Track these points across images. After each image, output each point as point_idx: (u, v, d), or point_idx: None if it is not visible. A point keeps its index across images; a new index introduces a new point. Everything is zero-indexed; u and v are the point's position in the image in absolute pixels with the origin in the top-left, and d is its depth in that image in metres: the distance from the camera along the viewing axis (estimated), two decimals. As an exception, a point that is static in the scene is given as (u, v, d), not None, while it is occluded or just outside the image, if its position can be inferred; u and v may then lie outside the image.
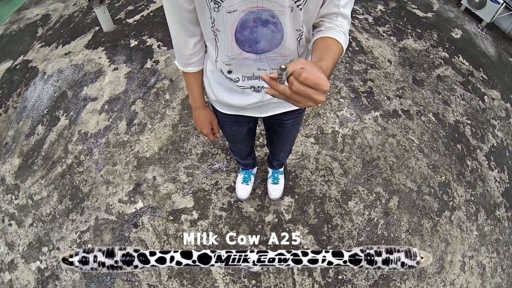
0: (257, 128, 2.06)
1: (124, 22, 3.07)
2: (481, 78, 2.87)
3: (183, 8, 0.76)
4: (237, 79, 0.92)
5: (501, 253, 1.96)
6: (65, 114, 2.39)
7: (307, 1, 0.71)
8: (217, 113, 1.14)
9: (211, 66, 0.96)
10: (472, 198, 2.11)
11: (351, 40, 2.89)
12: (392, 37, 3.04)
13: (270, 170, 1.92)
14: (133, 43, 2.82)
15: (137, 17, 3.10)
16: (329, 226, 1.85)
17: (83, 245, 1.79)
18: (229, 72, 0.90)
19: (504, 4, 3.23)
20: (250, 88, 0.95)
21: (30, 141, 2.31)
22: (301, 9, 0.72)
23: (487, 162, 2.31)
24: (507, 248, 1.99)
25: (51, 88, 2.60)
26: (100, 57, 2.73)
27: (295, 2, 0.70)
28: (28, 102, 2.55)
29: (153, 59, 2.67)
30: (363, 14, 3.24)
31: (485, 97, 2.73)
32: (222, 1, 0.69)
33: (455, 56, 2.99)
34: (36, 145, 2.28)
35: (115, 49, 2.78)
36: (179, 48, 0.90)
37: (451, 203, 2.05)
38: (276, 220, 1.85)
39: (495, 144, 2.44)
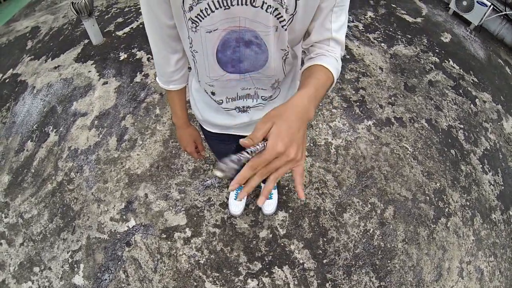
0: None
1: (113, 34, 3.04)
2: (472, 81, 2.89)
3: (164, 23, 0.72)
4: (221, 101, 0.89)
5: (498, 256, 1.96)
6: (54, 130, 2.36)
7: (292, 20, 0.67)
8: (205, 131, 1.11)
9: (196, 85, 0.93)
10: (468, 203, 2.11)
11: (343, 55, 2.88)
12: (382, 44, 3.04)
13: (263, 185, 1.89)
14: (123, 56, 2.79)
15: (127, 29, 3.08)
16: (325, 239, 1.83)
17: (75, 265, 1.76)
18: (213, 93, 0.87)
19: (492, 6, 3.26)
20: (235, 109, 0.92)
21: (19, 157, 2.27)
22: (286, 29, 0.68)
23: (481, 165, 2.32)
24: (504, 251, 1.99)
25: (40, 103, 2.57)
26: (89, 71, 2.70)
27: (280, 22, 0.66)
28: (17, 117, 2.52)
29: (143, 73, 2.64)
30: (353, 22, 3.25)
31: (477, 100, 2.74)
32: (201, 21, 0.65)
33: (446, 60, 3.01)
34: (25, 161, 2.24)
35: (105, 63, 2.75)
36: (161, 65, 0.86)
37: (446, 210, 2.04)
38: (271, 235, 1.83)
39: (488, 147, 2.44)
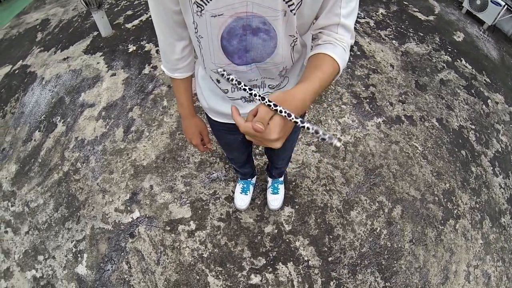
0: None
1: (122, 27, 3.05)
2: (484, 82, 2.83)
3: (170, 9, 0.70)
4: (226, 90, 0.87)
5: (506, 261, 1.92)
6: (62, 121, 2.37)
7: (301, 5, 0.64)
8: (211, 121, 1.09)
9: (202, 72, 0.92)
10: (477, 206, 2.06)
11: (352, 44, 2.85)
12: (394, 41, 3.00)
13: (269, 180, 1.88)
14: (131, 48, 2.79)
15: (136, 22, 3.08)
16: (331, 237, 1.80)
17: (79, 255, 1.76)
18: (218, 81, 0.85)
19: (506, 6, 3.19)
20: (241, 99, 0.90)
21: (27, 147, 2.29)
22: (294, 13, 0.65)
23: (491, 168, 2.27)
24: (513, 256, 1.95)
25: (49, 93, 2.58)
26: (98, 63, 2.70)
27: (289, 6, 0.63)
28: (25, 108, 2.53)
29: (151, 65, 2.64)
30: (364, 18, 3.21)
31: (489, 101, 2.69)
32: (206, 4, 0.63)
33: (458, 60, 2.95)
34: (33, 151, 2.25)
35: (113, 55, 2.76)
36: (166, 52, 0.85)
37: (455, 211, 2.00)
38: (276, 231, 1.81)
39: (500, 149, 2.39)
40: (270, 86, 0.86)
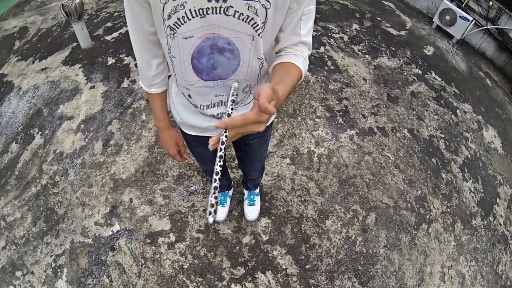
0: (230, 149, 2.07)
1: (102, 39, 3.04)
2: (453, 93, 2.97)
3: (146, 30, 0.79)
4: (196, 106, 0.95)
5: (479, 260, 2.01)
6: (40, 133, 2.34)
7: (264, 28, 0.73)
8: (184, 135, 1.16)
9: (176, 88, 1.00)
10: (448, 210, 2.16)
11: (326, 59, 2.94)
12: (367, 55, 3.10)
13: (246, 192, 1.92)
14: (111, 61, 2.79)
15: (115, 34, 3.08)
16: (307, 245, 1.86)
17: (58, 270, 1.73)
18: (189, 96, 0.93)
19: (474, 21, 3.39)
20: (210, 116, 0.97)
21: (3, 159, 2.24)
22: (261, 36, 0.74)
23: (461, 173, 2.37)
24: (485, 256, 2.04)
25: (26, 104, 2.54)
26: (77, 75, 2.69)
27: (256, 31, 0.72)
28: (2, 119, 2.48)
29: (130, 79, 2.64)
30: (338, 33, 3.30)
31: (458, 110, 2.82)
32: (178, 28, 0.71)
33: (428, 72, 3.09)
34: (9, 164, 2.21)
35: (92, 67, 2.74)
36: (143, 69, 0.93)
37: (428, 216, 2.09)
38: (254, 241, 1.85)
39: (469, 156, 2.51)
40: (235, 102, 0.94)
